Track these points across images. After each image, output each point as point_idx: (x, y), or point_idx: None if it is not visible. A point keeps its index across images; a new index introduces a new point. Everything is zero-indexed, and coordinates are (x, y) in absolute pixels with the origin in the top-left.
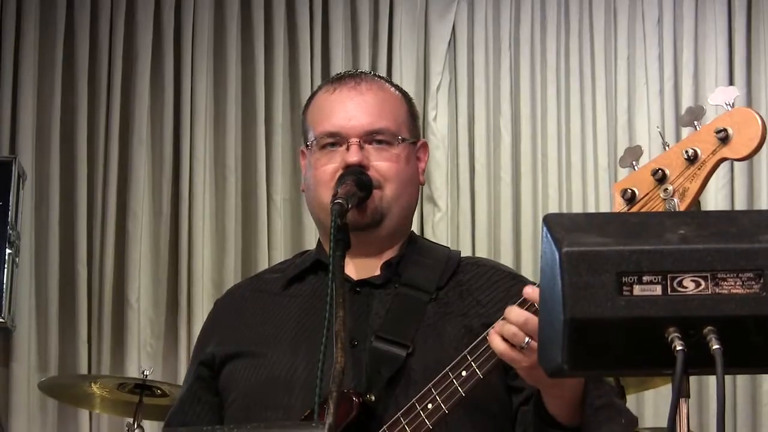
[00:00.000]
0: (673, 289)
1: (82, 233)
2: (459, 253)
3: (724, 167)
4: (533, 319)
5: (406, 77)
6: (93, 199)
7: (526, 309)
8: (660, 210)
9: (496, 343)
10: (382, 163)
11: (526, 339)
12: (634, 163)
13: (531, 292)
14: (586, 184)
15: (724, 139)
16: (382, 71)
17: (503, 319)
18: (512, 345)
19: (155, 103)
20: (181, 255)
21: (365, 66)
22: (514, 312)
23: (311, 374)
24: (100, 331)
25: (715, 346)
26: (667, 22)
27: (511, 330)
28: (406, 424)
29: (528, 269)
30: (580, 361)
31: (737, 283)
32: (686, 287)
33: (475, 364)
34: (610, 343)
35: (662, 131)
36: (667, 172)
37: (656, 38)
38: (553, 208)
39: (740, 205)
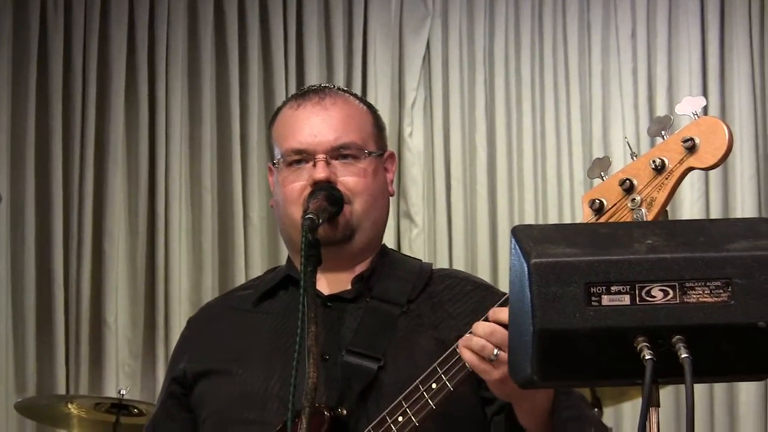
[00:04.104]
0: (642, 299)
1: (59, 254)
2: (431, 265)
3: (699, 179)
4: (500, 330)
5: (381, 94)
6: (69, 219)
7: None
8: (628, 220)
9: (467, 355)
10: (349, 178)
11: (495, 350)
12: (602, 173)
13: (493, 314)
14: (562, 198)
15: (691, 148)
16: (357, 88)
17: (470, 333)
18: (482, 357)
19: (130, 123)
20: (158, 274)
21: (340, 83)
22: (481, 326)
23: (285, 389)
24: (77, 351)
25: (684, 355)
26: (640, 35)
27: (479, 343)
28: None
29: (505, 284)
30: (550, 372)
31: (705, 292)
32: (655, 297)
33: (445, 376)
34: (579, 354)
35: (638, 144)
36: (635, 182)
37: (630, 52)
38: (529, 222)
39: (715, 216)
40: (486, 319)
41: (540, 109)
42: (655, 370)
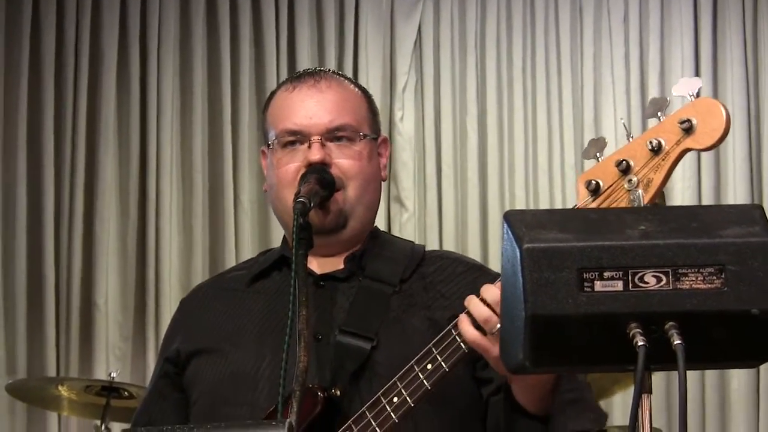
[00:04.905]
0: (635, 285)
1: (49, 236)
2: (423, 246)
3: (690, 165)
4: None
5: (372, 77)
6: (60, 201)
7: None
8: (624, 201)
9: (468, 331)
10: (344, 161)
11: (498, 325)
12: (598, 154)
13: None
14: (553, 182)
15: (688, 129)
16: (348, 72)
17: (480, 298)
18: (483, 333)
19: (122, 104)
20: (149, 257)
21: (331, 67)
22: (490, 292)
23: (275, 370)
24: (68, 333)
25: (677, 342)
26: (633, 19)
27: (484, 314)
28: (372, 417)
29: (495, 268)
30: (542, 358)
31: (698, 279)
32: (648, 283)
33: (440, 357)
34: (571, 340)
35: (629, 129)
36: (632, 163)
37: (622, 36)
38: (520, 207)
39: (707, 202)
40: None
41: (531, 92)
42: (648, 356)
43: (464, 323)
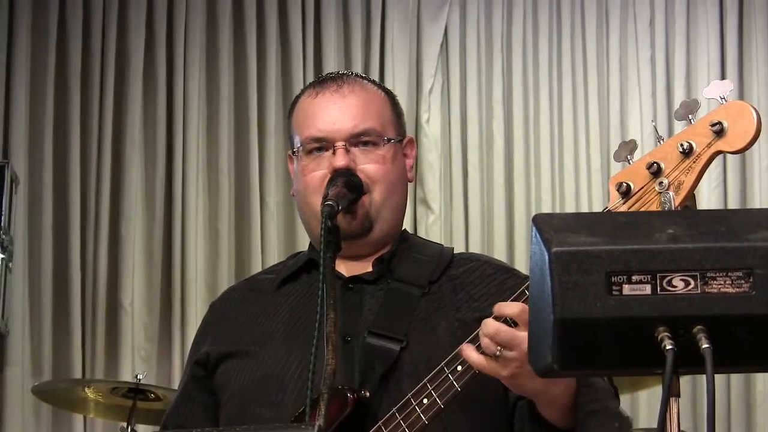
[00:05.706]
0: (663, 289)
1: (76, 237)
2: (452, 249)
3: (716, 166)
4: (504, 330)
5: (398, 80)
6: (86, 203)
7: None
8: (655, 203)
9: (473, 356)
10: (369, 166)
11: (498, 350)
12: (628, 157)
13: (498, 309)
14: (579, 185)
15: (719, 132)
16: (375, 74)
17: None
18: (488, 356)
19: (148, 106)
20: (175, 259)
21: (358, 69)
22: (487, 324)
23: (303, 372)
24: (93, 335)
25: (705, 346)
26: (659, 23)
27: (483, 341)
28: (402, 419)
29: (521, 270)
30: (570, 361)
31: (727, 282)
32: (676, 286)
33: None
34: (599, 343)
35: (655, 132)
36: (662, 165)
37: (648, 40)
38: (546, 210)
39: (733, 204)
40: (494, 316)
41: (557, 96)
42: (676, 360)
43: (468, 350)
